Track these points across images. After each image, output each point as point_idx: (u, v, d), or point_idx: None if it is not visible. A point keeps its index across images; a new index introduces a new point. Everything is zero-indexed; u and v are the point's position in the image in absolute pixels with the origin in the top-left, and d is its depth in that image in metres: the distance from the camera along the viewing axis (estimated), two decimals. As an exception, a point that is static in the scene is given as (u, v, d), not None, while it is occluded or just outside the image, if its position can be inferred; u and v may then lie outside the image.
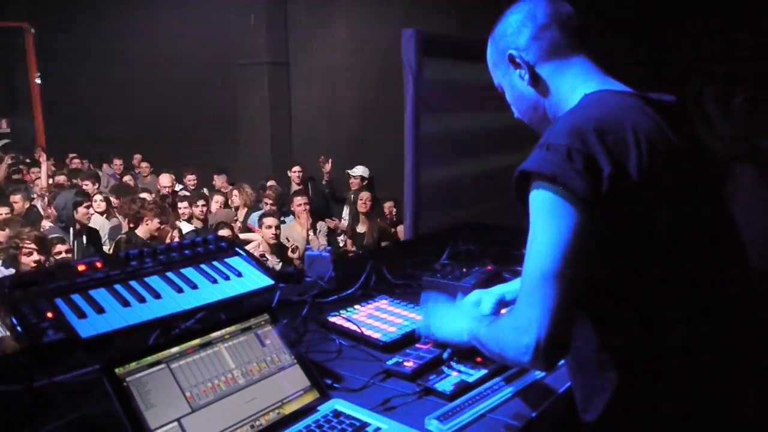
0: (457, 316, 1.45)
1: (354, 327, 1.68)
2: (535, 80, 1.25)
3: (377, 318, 1.77)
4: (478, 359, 1.49)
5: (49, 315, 1.21)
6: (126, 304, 1.31)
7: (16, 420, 1.27)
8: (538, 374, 1.44)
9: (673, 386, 1.11)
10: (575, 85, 1.21)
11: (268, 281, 1.51)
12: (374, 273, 2.14)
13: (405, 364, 1.47)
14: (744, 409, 1.13)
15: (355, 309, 1.84)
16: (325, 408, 1.31)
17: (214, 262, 1.53)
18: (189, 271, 1.47)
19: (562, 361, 1.20)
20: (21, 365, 1.29)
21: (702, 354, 1.11)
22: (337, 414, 1.28)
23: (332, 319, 1.75)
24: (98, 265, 1.40)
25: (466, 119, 3.23)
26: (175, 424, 1.16)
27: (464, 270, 2.06)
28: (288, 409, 1.28)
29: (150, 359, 1.22)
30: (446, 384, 1.38)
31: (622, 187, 1.04)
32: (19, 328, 1.17)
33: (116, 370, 1.17)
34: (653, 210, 1.07)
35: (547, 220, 1.05)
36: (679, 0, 4.30)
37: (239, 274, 1.50)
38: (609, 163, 1.03)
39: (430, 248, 2.48)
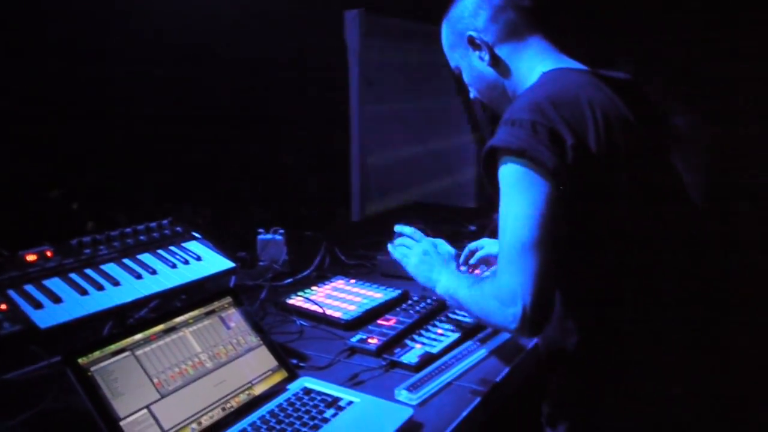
0: (436, 264, 1.42)
1: (315, 307, 1.68)
2: (495, 61, 1.28)
3: (336, 298, 1.79)
4: (440, 332, 1.54)
5: (3, 307, 1.15)
6: (84, 292, 1.26)
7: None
8: (501, 340, 1.50)
9: (631, 358, 1.15)
10: (533, 64, 1.25)
11: (229, 264, 1.50)
12: (328, 255, 2.15)
13: (369, 340, 1.49)
14: (698, 384, 1.20)
15: (312, 290, 1.85)
16: (294, 386, 1.31)
17: (171, 247, 1.50)
18: (146, 257, 1.44)
19: None
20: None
21: (660, 325, 1.16)
22: (307, 391, 1.29)
23: (291, 301, 1.75)
24: (48, 254, 1.34)
25: (412, 100, 3.26)
26: (145, 411, 1.13)
27: (417, 248, 2.10)
28: (258, 390, 1.28)
29: (113, 347, 1.18)
30: (411, 356, 1.42)
31: (584, 158, 1.07)
32: (-30, 322, 1.11)
33: (79, 360, 1.13)
34: (611, 183, 1.11)
35: (520, 193, 1.08)
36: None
37: (198, 258, 1.48)
38: (570, 135, 1.07)
39: (379, 228, 2.51)
